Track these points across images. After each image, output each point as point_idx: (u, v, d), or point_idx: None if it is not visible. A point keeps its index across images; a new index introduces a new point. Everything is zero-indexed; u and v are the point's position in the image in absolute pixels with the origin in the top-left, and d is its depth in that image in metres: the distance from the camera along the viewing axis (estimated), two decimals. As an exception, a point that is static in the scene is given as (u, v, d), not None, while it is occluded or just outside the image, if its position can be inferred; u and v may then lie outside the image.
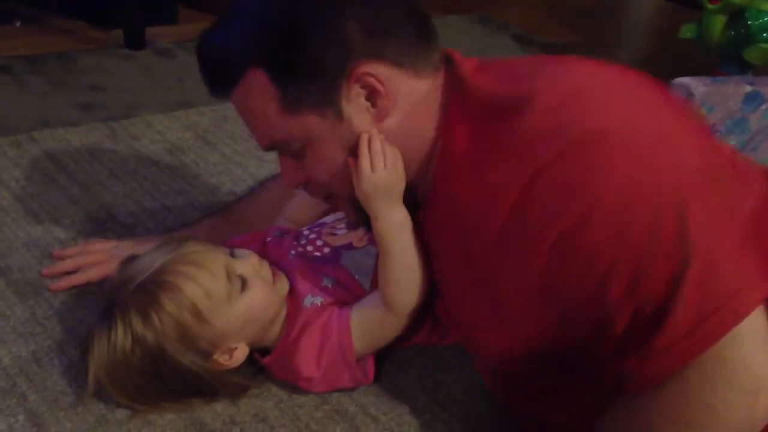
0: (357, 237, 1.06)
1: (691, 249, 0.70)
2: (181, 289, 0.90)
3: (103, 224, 1.28)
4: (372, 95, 0.84)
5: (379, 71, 0.83)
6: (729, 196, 0.77)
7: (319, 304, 0.99)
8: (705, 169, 0.76)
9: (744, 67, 1.83)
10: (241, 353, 0.96)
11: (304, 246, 1.06)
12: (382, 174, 0.86)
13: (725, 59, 1.87)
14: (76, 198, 1.33)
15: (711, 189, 0.74)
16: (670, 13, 2.67)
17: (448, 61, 0.89)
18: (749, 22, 1.77)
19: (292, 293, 1.01)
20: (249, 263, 0.96)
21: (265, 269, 0.98)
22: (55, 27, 2.05)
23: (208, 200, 1.37)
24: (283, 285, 1.00)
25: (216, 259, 0.94)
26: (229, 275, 0.93)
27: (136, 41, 1.94)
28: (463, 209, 0.81)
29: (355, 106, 0.84)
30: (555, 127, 0.74)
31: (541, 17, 2.56)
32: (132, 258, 0.96)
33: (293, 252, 1.05)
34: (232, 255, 0.97)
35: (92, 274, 1.13)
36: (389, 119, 0.85)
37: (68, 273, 1.14)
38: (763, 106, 1.49)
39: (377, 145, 0.86)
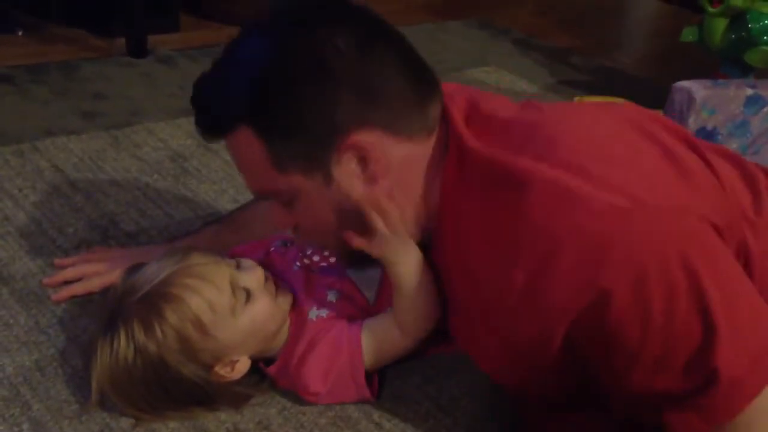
0: None
1: (712, 317, 0.72)
2: (184, 301, 0.90)
3: (105, 232, 1.28)
4: (362, 161, 0.83)
5: (369, 138, 0.82)
6: (739, 232, 0.80)
7: (325, 317, 0.99)
8: (708, 225, 0.76)
9: (745, 70, 1.83)
10: (242, 366, 0.96)
11: (309, 256, 1.05)
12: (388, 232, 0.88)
13: (726, 62, 1.87)
14: (79, 206, 1.34)
15: (717, 244, 0.76)
16: (671, 16, 2.67)
17: (443, 115, 0.87)
18: (750, 25, 1.77)
19: (296, 305, 1.00)
20: (254, 276, 0.96)
21: (270, 283, 0.98)
22: (56, 36, 2.05)
23: (211, 207, 1.38)
24: (286, 298, 0.99)
25: (221, 271, 0.94)
26: (234, 288, 0.94)
27: (138, 49, 1.95)
28: (480, 277, 0.81)
29: (344, 172, 0.84)
30: (553, 211, 0.74)
31: (542, 21, 2.56)
32: (136, 268, 0.96)
33: (298, 264, 1.05)
34: (238, 266, 0.97)
35: (94, 284, 1.13)
36: (380, 183, 0.85)
37: (69, 282, 1.14)
38: (765, 109, 1.49)
39: (385, 204, 0.86)
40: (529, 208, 0.75)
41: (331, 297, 1.01)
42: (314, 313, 0.99)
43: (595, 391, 0.81)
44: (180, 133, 1.60)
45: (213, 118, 0.87)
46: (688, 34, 1.93)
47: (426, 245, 0.91)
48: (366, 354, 0.96)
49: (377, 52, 0.83)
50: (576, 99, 1.85)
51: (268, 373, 1.00)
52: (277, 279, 1.01)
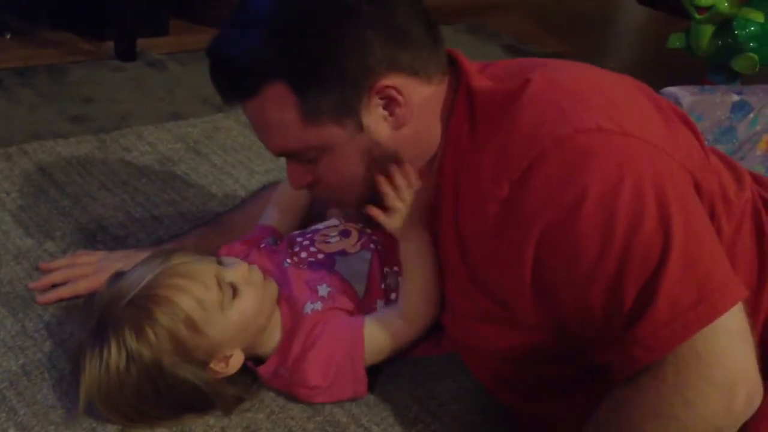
0: (350, 243, 1.06)
1: (671, 241, 0.73)
2: (174, 301, 0.90)
3: (93, 236, 1.27)
4: (390, 105, 0.86)
5: (397, 82, 0.85)
6: (713, 202, 0.82)
7: (320, 309, 0.99)
8: (688, 174, 0.79)
9: (731, 77, 1.85)
10: (236, 360, 0.96)
11: (298, 253, 1.06)
12: (403, 208, 0.93)
13: (713, 68, 1.89)
14: (67, 210, 1.33)
15: (691, 191, 0.79)
16: (659, 22, 2.69)
17: (452, 62, 0.91)
18: (736, 32, 1.78)
19: (290, 301, 1.01)
20: (238, 270, 0.96)
21: (255, 274, 0.98)
22: (45, 39, 2.05)
23: (200, 211, 1.37)
24: (273, 288, 1.00)
25: (205, 268, 0.94)
26: (220, 283, 0.94)
27: (127, 53, 1.94)
28: (463, 202, 0.85)
29: (374, 117, 0.86)
30: (542, 123, 0.78)
31: (532, 26, 2.58)
32: (119, 274, 0.96)
33: (288, 261, 1.05)
34: (220, 263, 0.97)
35: (80, 287, 1.12)
36: (406, 128, 0.87)
37: (56, 285, 1.14)
38: (751, 115, 1.50)
39: (400, 179, 0.91)
40: (520, 120, 0.79)
41: (322, 291, 1.01)
42: (309, 307, 1.00)
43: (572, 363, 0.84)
44: (169, 137, 1.59)
45: (240, 74, 0.85)
46: (675, 41, 1.94)
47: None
48: (368, 346, 0.97)
49: (400, 3, 0.86)
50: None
51: (259, 374, 1.00)
52: (265, 273, 1.02)
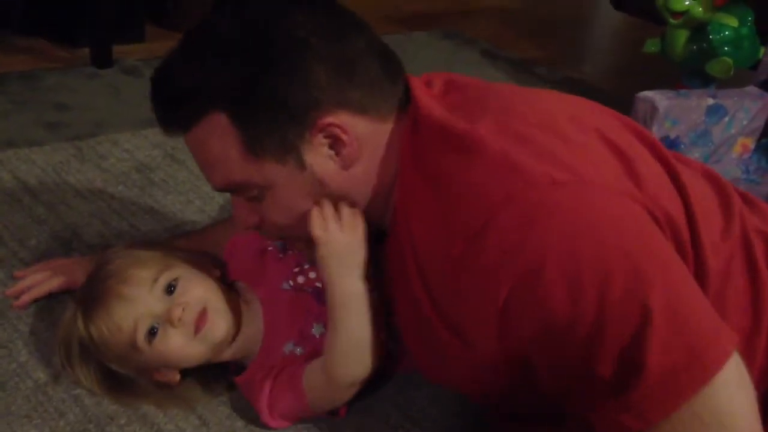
0: None
1: (650, 298, 0.68)
2: (94, 326, 0.95)
3: (68, 244, 1.26)
4: (336, 144, 0.82)
5: (343, 120, 0.81)
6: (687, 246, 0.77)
7: (299, 354, 0.96)
8: (658, 212, 0.75)
9: (707, 81, 1.86)
10: (173, 377, 0.98)
11: (305, 272, 0.99)
12: (338, 236, 0.85)
13: (688, 73, 1.90)
14: (42, 218, 1.32)
15: (658, 236, 0.74)
16: (635, 27, 2.71)
17: (408, 93, 0.86)
18: (711, 37, 1.80)
19: (274, 328, 0.98)
20: (173, 312, 0.92)
21: (188, 314, 0.94)
22: (18, 46, 2.02)
23: (177, 218, 1.36)
24: (214, 332, 0.95)
25: (129, 311, 0.93)
26: (137, 326, 0.93)
27: (102, 59, 1.92)
28: (420, 244, 0.79)
29: (317, 155, 0.82)
30: (492, 178, 0.74)
31: (509, 32, 2.59)
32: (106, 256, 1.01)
33: (290, 283, 0.99)
34: (170, 289, 0.95)
35: (54, 284, 1.12)
36: (355, 167, 0.83)
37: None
38: (726, 119, 1.51)
39: (328, 209, 0.85)
40: (470, 175, 0.75)
41: (316, 331, 0.97)
42: (290, 347, 0.97)
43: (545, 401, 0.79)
44: (145, 144, 1.58)
45: (181, 103, 0.82)
46: (651, 45, 1.96)
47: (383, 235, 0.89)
48: (309, 397, 0.92)
49: (349, 34, 0.83)
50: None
51: (236, 382, 0.99)
52: (251, 289, 1.00)
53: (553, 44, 2.53)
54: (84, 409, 0.97)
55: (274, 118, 0.80)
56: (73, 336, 0.97)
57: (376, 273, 0.90)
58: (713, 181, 0.90)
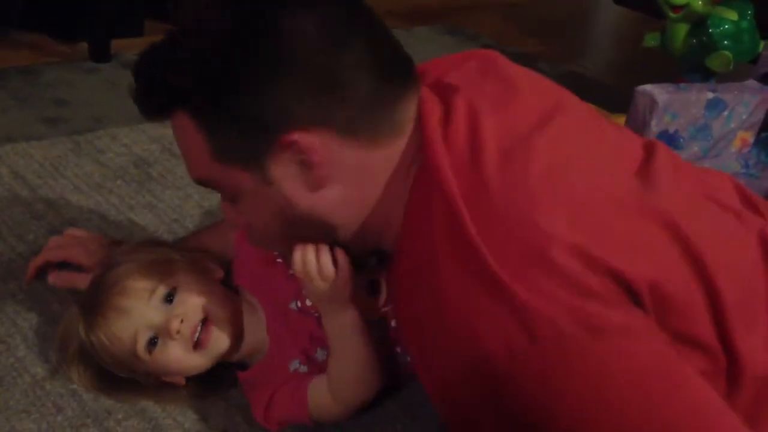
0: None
1: None
2: (96, 333, 0.95)
3: (67, 239, 1.26)
4: (304, 164, 0.75)
5: (314, 140, 0.73)
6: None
7: (302, 373, 0.96)
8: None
9: (706, 75, 1.86)
10: (179, 380, 0.98)
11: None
12: (319, 285, 0.85)
13: (688, 67, 1.90)
14: (40, 213, 1.31)
15: (681, 371, 0.68)
16: (635, 22, 2.71)
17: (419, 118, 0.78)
18: (711, 30, 1.79)
19: (279, 346, 0.97)
20: (171, 323, 0.92)
21: (186, 328, 0.93)
22: (17, 41, 2.02)
23: (176, 213, 1.36)
24: (216, 345, 0.95)
25: (127, 323, 0.93)
26: (137, 336, 0.93)
27: (101, 54, 1.92)
28: (419, 308, 0.74)
29: (284, 172, 0.76)
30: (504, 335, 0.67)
31: (510, 27, 2.58)
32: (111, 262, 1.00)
33: (298, 304, 0.97)
34: (169, 298, 0.94)
35: (52, 254, 1.13)
36: (328, 190, 0.76)
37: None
38: (725, 113, 1.51)
39: (310, 254, 0.83)
40: (473, 312, 0.68)
41: (320, 355, 0.96)
42: (295, 365, 0.96)
43: None
44: (144, 139, 1.58)
45: (150, 98, 0.79)
46: (651, 40, 1.95)
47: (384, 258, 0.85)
48: (313, 414, 0.93)
49: (348, 41, 0.74)
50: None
51: (239, 378, 0.99)
52: (253, 291, 1.00)
53: (555, 39, 2.53)
54: (82, 404, 0.97)
55: (241, 129, 0.75)
56: (74, 338, 0.97)
57: (377, 292, 0.92)
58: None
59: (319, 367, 0.95)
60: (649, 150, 0.81)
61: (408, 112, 0.77)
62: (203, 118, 0.77)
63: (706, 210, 0.79)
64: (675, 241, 0.71)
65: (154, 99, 0.79)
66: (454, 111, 0.77)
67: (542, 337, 0.65)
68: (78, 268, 1.12)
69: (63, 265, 1.14)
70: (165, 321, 0.93)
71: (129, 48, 1.98)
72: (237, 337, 0.97)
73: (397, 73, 0.78)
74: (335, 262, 0.84)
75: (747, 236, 0.78)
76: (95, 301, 0.96)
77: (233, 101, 0.74)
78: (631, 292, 0.68)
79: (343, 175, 0.76)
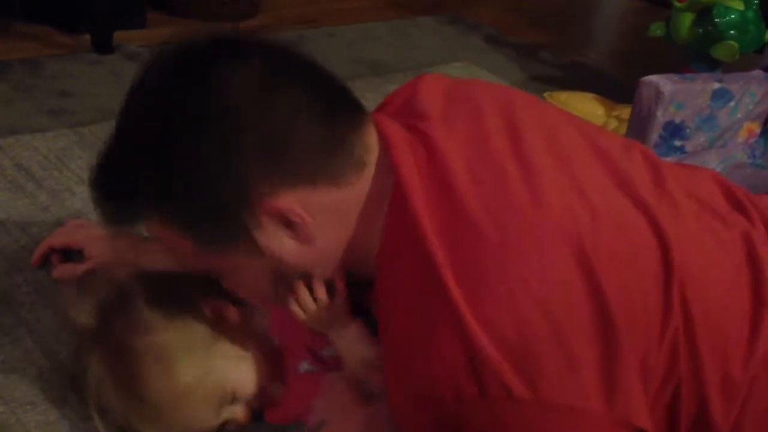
0: None
1: None
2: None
3: (72, 231, 1.26)
4: (289, 225, 0.75)
5: (289, 200, 0.73)
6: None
7: (314, 372, 0.95)
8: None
9: (712, 65, 1.85)
10: None
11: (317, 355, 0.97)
12: (322, 318, 0.86)
13: (693, 57, 1.89)
14: (45, 205, 1.31)
15: None
16: (640, 11, 2.70)
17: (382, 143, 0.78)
18: (716, 20, 1.79)
19: (288, 349, 0.96)
20: (243, 411, 0.91)
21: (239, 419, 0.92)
22: (21, 32, 2.01)
23: (180, 205, 1.36)
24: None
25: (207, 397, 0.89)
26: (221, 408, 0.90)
27: (104, 46, 1.92)
28: (396, 338, 0.75)
29: (273, 239, 0.75)
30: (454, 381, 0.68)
31: (513, 18, 2.57)
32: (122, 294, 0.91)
33: (307, 366, 0.96)
34: (233, 399, 0.90)
35: (55, 240, 1.14)
36: (318, 240, 0.76)
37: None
38: (731, 103, 1.50)
39: (302, 293, 0.83)
40: (430, 357, 0.69)
41: (327, 353, 0.95)
42: (305, 366, 0.95)
43: None
44: (148, 131, 1.57)
45: (116, 214, 0.79)
46: (656, 29, 1.94)
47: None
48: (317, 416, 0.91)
49: (282, 93, 0.73)
50: (546, 95, 1.85)
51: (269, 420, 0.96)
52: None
53: (558, 29, 2.52)
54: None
55: (212, 217, 0.74)
56: (91, 389, 0.90)
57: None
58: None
59: (327, 363, 0.94)
60: (628, 152, 0.83)
61: (366, 141, 0.77)
62: (171, 220, 0.76)
63: (688, 210, 0.79)
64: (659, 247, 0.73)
65: (120, 214, 0.79)
66: (420, 138, 0.77)
67: (491, 395, 0.66)
68: (81, 258, 1.12)
69: (67, 257, 1.14)
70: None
71: (132, 39, 1.97)
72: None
73: (343, 107, 0.77)
74: (328, 290, 0.85)
75: (731, 238, 0.78)
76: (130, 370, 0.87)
77: (192, 195, 0.73)
78: None
79: (325, 222, 0.76)
